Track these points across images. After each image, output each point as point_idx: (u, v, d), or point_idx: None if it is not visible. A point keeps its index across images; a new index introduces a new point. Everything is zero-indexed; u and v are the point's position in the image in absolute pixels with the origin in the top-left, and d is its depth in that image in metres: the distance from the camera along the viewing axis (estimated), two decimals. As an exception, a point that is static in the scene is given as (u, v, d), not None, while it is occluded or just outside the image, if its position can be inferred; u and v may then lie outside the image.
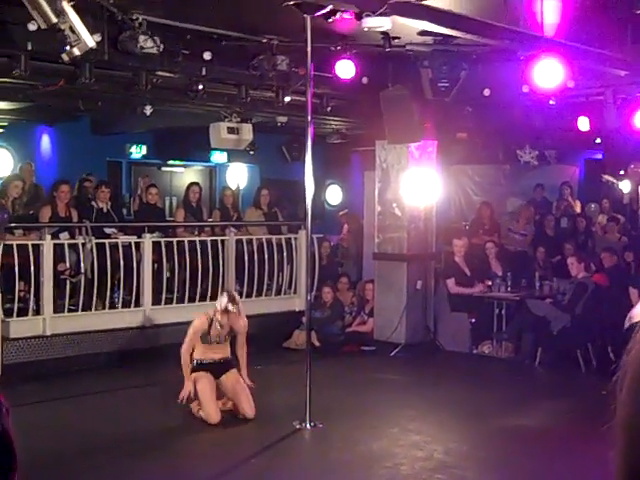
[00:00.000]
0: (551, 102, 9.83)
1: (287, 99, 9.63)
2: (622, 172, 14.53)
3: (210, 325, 7.01)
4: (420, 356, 10.15)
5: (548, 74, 7.42)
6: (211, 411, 6.82)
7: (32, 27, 6.07)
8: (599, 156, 15.63)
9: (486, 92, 9.47)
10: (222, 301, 6.97)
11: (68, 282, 9.35)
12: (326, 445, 6.62)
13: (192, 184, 11.48)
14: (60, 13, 5.60)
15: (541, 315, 9.57)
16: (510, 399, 8.11)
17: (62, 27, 5.73)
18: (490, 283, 10.50)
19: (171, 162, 15.83)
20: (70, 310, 9.39)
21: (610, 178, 14.55)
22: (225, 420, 6.86)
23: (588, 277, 9.64)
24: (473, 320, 10.42)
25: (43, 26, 5.66)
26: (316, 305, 10.69)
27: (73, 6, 5.67)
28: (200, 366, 7.03)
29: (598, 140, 12.72)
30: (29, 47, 7.26)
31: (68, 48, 5.90)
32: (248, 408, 6.94)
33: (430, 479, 5.73)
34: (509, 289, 10.35)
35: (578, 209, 13.87)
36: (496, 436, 6.88)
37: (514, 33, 7.08)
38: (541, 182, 13.94)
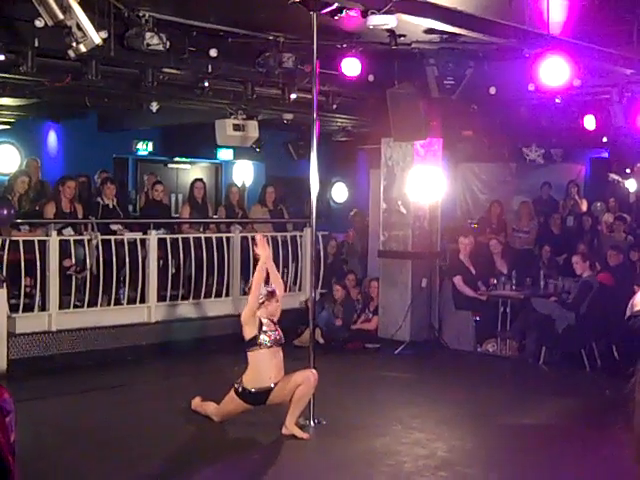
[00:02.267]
0: (557, 100, 9.84)
1: (293, 96, 9.65)
2: (628, 171, 14.50)
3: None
4: (424, 354, 10.15)
5: (554, 72, 7.40)
6: (224, 418, 6.79)
7: (39, 24, 6.09)
8: (605, 155, 15.59)
9: (492, 90, 9.47)
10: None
11: (74, 278, 9.38)
12: (329, 442, 6.63)
13: (196, 180, 11.49)
14: (66, 10, 5.63)
15: (546, 314, 9.56)
16: (514, 397, 8.10)
17: (68, 24, 5.75)
18: (495, 281, 10.50)
19: (177, 159, 15.87)
20: (76, 306, 9.42)
21: (616, 177, 14.52)
22: (230, 417, 6.86)
23: (593, 276, 9.63)
24: (477, 318, 10.41)
25: (50, 23, 5.68)
26: (326, 301, 10.72)
27: (79, 3, 5.70)
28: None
29: (604, 139, 12.70)
30: (36, 44, 7.30)
31: (74, 45, 5.93)
32: (301, 377, 6.57)
33: (433, 477, 5.73)
34: (514, 287, 10.34)
35: (584, 208, 13.85)
36: (500, 434, 6.88)
37: (520, 31, 7.08)
38: (547, 180, 13.92)
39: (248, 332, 6.56)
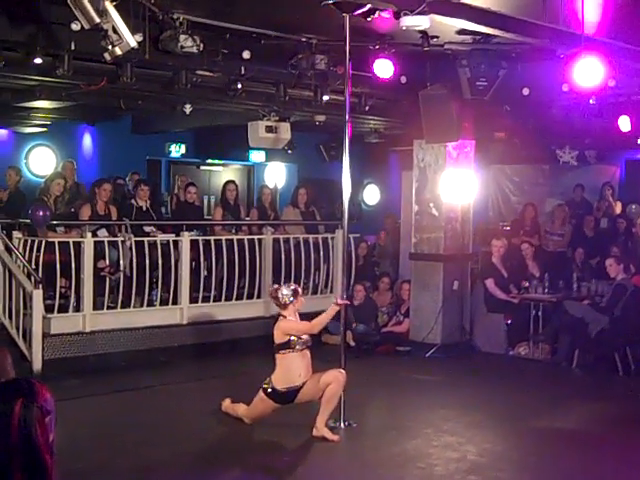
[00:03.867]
0: (591, 101, 9.73)
1: (325, 98, 9.66)
2: (664, 173, 14.31)
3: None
4: (455, 357, 10.10)
5: (588, 73, 7.33)
6: (254, 419, 6.82)
7: (75, 27, 6.19)
8: (640, 156, 15.42)
9: (525, 91, 9.41)
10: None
11: (107, 279, 9.47)
12: (360, 444, 6.63)
13: (228, 182, 11.54)
14: (103, 13, 5.70)
15: (579, 317, 9.47)
16: (546, 401, 8.04)
17: (104, 27, 5.83)
18: (527, 284, 10.42)
19: (210, 161, 15.96)
20: (109, 307, 9.50)
21: (652, 179, 14.33)
22: (261, 419, 6.89)
23: (627, 279, 9.52)
24: (509, 321, 10.34)
25: (86, 26, 5.76)
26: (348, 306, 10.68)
27: (115, 6, 5.77)
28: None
29: (639, 140, 12.55)
30: (72, 47, 7.38)
31: (110, 48, 6.00)
32: (331, 377, 6.60)
33: (464, 480, 5.71)
34: (546, 290, 10.26)
35: (618, 210, 13.69)
36: (531, 438, 6.82)
37: (554, 31, 7.02)
38: (581, 182, 13.78)
39: (280, 337, 6.61)
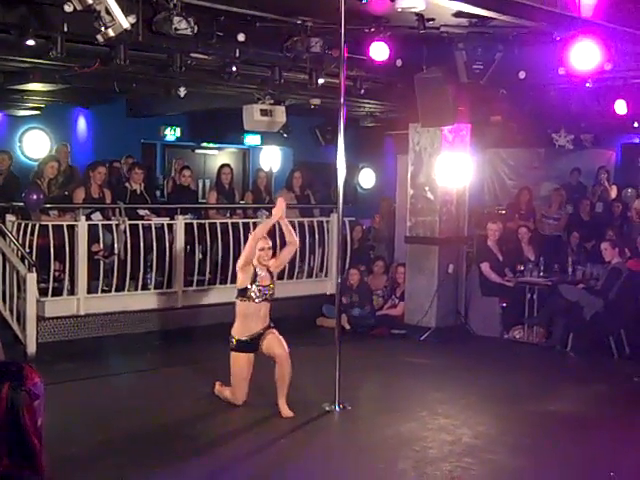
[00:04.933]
0: (588, 85, 9.68)
1: (320, 81, 9.60)
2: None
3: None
4: (450, 340, 10.12)
5: (585, 56, 7.31)
6: (241, 392, 6.84)
7: (68, 8, 6.12)
8: (636, 140, 15.40)
9: (521, 74, 9.36)
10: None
11: (102, 263, 9.45)
12: (355, 427, 6.64)
13: (223, 166, 11.52)
14: (95, -6, 5.64)
15: (573, 300, 9.49)
16: (540, 384, 8.07)
17: (97, 8, 5.78)
18: (522, 268, 10.43)
19: (205, 144, 15.90)
20: (103, 291, 9.50)
21: (647, 163, 14.33)
22: (254, 401, 6.90)
23: (622, 262, 9.53)
24: (504, 305, 10.36)
25: (79, 7, 5.72)
26: (342, 289, 10.68)
27: (108, -13, 5.71)
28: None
29: (636, 124, 12.52)
30: (65, 29, 7.31)
31: (103, 29, 5.95)
32: (280, 351, 6.75)
33: (458, 462, 5.72)
34: (541, 274, 10.27)
35: (614, 194, 13.70)
36: (525, 421, 6.85)
37: (551, 14, 6.99)
38: (577, 166, 13.78)
39: (241, 281, 6.78)
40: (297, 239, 7.27)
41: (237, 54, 8.60)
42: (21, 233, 9.10)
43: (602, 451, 6.12)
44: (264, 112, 10.67)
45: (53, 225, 9.20)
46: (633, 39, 7.80)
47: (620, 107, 10.31)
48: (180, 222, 10.08)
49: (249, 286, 6.72)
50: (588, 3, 7.08)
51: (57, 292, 9.16)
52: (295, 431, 6.44)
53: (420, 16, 7.64)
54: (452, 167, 10.34)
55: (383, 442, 6.19)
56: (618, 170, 15.21)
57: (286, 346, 6.80)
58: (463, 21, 7.99)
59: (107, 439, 6.11)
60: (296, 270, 11.18)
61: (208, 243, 10.50)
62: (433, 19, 7.88)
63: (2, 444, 1.90)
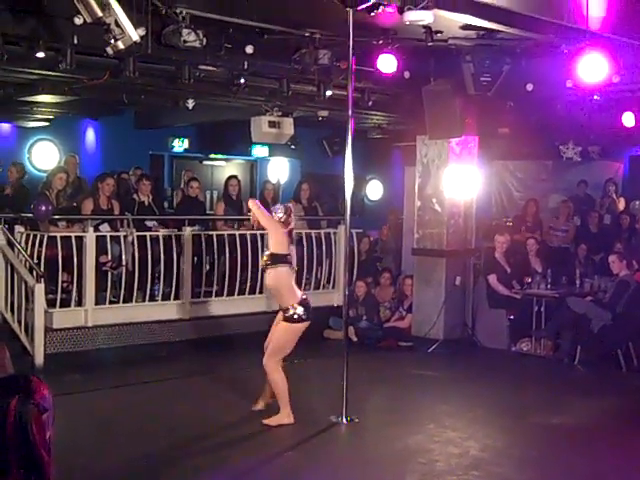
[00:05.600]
0: (595, 97, 9.71)
1: (328, 93, 9.64)
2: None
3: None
4: (458, 352, 10.10)
5: (593, 68, 7.33)
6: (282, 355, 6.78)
7: (78, 21, 6.16)
8: (644, 153, 15.37)
9: (529, 87, 9.38)
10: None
11: (110, 274, 9.47)
12: (362, 440, 6.63)
13: (230, 177, 11.54)
14: (105, 7, 5.70)
15: (581, 313, 9.45)
16: (548, 397, 8.03)
17: (107, 21, 5.83)
18: (530, 280, 10.41)
19: (213, 156, 15.94)
20: (111, 302, 9.51)
21: (655, 175, 14.31)
22: (262, 413, 6.89)
23: (630, 275, 9.50)
24: (512, 317, 10.33)
25: (89, 20, 5.76)
26: (349, 301, 10.66)
27: (118, 0, 5.75)
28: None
29: (643, 136, 12.52)
30: (75, 41, 7.36)
31: (113, 42, 6.00)
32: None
33: (466, 476, 5.70)
34: (549, 286, 10.25)
35: (621, 206, 13.67)
36: (533, 434, 6.82)
37: (559, 27, 7.02)
38: (584, 178, 13.76)
39: (280, 246, 6.64)
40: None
41: (245, 66, 8.64)
42: (29, 244, 9.13)
43: (609, 464, 6.08)
44: (272, 124, 10.70)
45: (61, 236, 9.22)
46: (641, 52, 7.81)
47: (628, 119, 10.31)
48: (188, 233, 10.10)
49: (287, 252, 6.70)
50: (596, 16, 7.09)
51: (65, 303, 9.17)
52: (302, 443, 6.42)
53: (428, 29, 7.67)
54: (459, 179, 10.34)
55: (390, 455, 6.17)
56: (626, 182, 15.18)
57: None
58: (471, 34, 8.02)
59: (115, 451, 6.11)
60: (303, 282, 11.17)
61: (216, 254, 10.51)
62: (441, 32, 7.91)
63: (11, 458, 1.91)
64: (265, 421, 6.66)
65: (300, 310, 6.62)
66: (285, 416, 6.63)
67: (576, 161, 13.47)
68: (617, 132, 11.34)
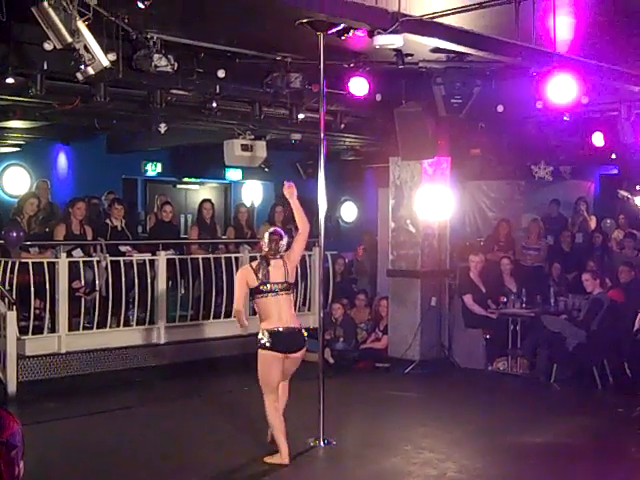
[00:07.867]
0: (565, 118, 9.83)
1: (301, 116, 9.68)
2: (638, 187, 14.45)
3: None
4: (435, 373, 10.10)
5: (562, 90, 7.41)
6: (269, 389, 6.41)
7: (48, 47, 6.14)
8: (614, 171, 15.56)
9: (499, 108, 9.49)
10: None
11: (83, 300, 9.39)
12: (339, 463, 6.59)
13: (204, 201, 11.51)
14: (75, 33, 5.67)
15: (556, 331, 9.51)
16: (525, 416, 8.04)
17: (77, 47, 5.80)
18: (505, 299, 10.46)
19: (186, 179, 15.91)
20: (85, 328, 9.43)
21: (626, 193, 14.47)
22: (238, 437, 6.83)
23: (604, 293, 9.58)
24: (488, 336, 10.36)
25: (58, 46, 5.73)
26: (326, 323, 10.64)
27: (88, 25, 5.74)
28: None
29: (613, 156, 12.68)
30: (45, 66, 7.34)
31: (83, 67, 5.98)
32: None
33: (444, 497, 5.68)
34: (524, 305, 10.30)
35: (593, 225, 13.80)
36: (510, 453, 6.81)
37: (527, 49, 7.09)
38: (556, 198, 13.88)
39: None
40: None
41: (217, 90, 8.66)
42: (0, 271, 9.03)
43: (587, 483, 6.10)
44: (245, 147, 10.71)
45: (33, 262, 9.14)
46: (608, 73, 7.92)
47: (597, 139, 10.45)
48: (162, 258, 10.05)
49: (260, 284, 6.37)
50: (563, 39, 7.19)
51: (38, 330, 9.07)
52: (280, 466, 6.36)
53: (398, 52, 7.74)
54: (433, 200, 10.39)
55: (367, 477, 6.14)
56: (597, 201, 15.35)
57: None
58: (441, 56, 8.10)
59: (88, 478, 6.02)
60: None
61: (190, 279, 10.46)
62: (411, 54, 7.99)
63: None
64: (266, 459, 6.39)
65: (265, 337, 6.23)
66: (279, 457, 6.35)
67: (548, 181, 13.59)
68: (587, 152, 11.48)
